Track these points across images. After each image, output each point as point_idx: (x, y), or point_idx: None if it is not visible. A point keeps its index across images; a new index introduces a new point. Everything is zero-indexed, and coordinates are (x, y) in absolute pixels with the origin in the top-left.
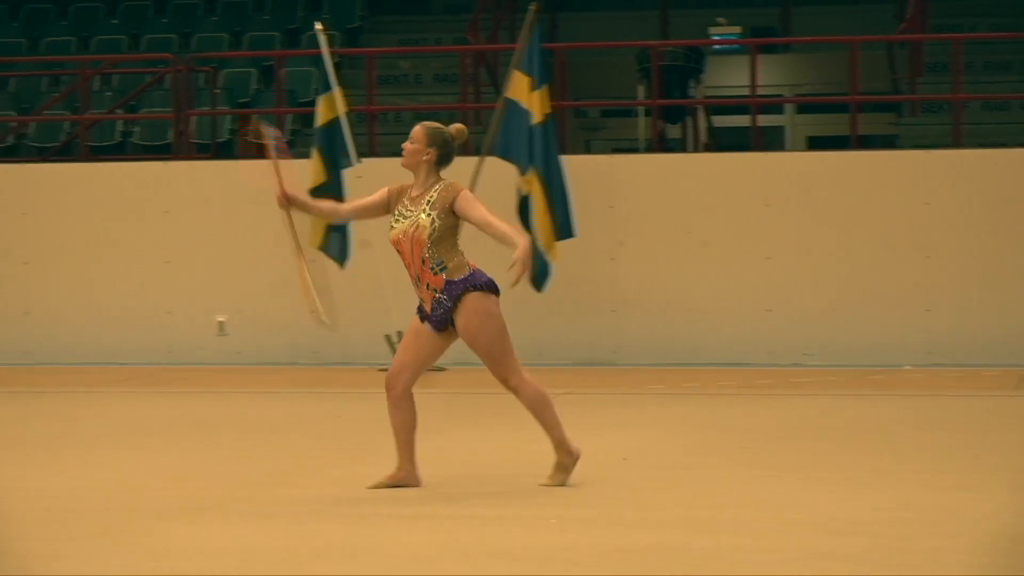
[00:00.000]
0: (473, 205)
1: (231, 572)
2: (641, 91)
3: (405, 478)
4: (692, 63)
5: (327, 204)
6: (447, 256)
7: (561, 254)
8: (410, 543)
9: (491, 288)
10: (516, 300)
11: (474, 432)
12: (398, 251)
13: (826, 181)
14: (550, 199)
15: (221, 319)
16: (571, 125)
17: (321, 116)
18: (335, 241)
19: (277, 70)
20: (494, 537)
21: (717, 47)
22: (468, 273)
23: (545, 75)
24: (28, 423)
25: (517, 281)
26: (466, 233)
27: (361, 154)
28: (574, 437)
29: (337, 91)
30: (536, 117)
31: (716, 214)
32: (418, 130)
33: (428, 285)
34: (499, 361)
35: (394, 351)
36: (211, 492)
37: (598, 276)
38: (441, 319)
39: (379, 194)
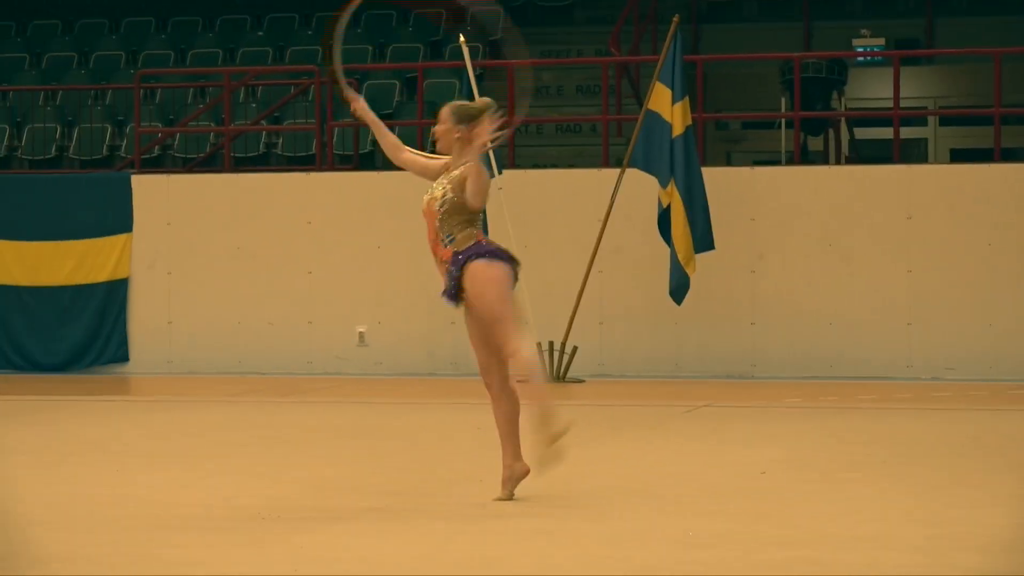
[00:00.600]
0: (472, 176)
1: None
2: (783, 103)
3: (513, 473)
4: (835, 75)
5: (392, 138)
6: (456, 229)
7: (700, 267)
8: (546, 556)
9: (497, 256)
10: (655, 313)
11: (613, 445)
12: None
13: (969, 194)
14: (689, 211)
15: (361, 330)
16: (712, 137)
17: None
18: None
19: (420, 82)
20: (631, 551)
21: (860, 59)
22: (473, 243)
23: (686, 87)
24: (170, 433)
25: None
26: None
27: (502, 166)
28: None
29: None
30: (677, 129)
31: (858, 227)
32: (444, 111)
33: (441, 259)
34: (498, 325)
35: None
36: (350, 502)
37: (738, 289)
38: (452, 291)
39: (436, 162)
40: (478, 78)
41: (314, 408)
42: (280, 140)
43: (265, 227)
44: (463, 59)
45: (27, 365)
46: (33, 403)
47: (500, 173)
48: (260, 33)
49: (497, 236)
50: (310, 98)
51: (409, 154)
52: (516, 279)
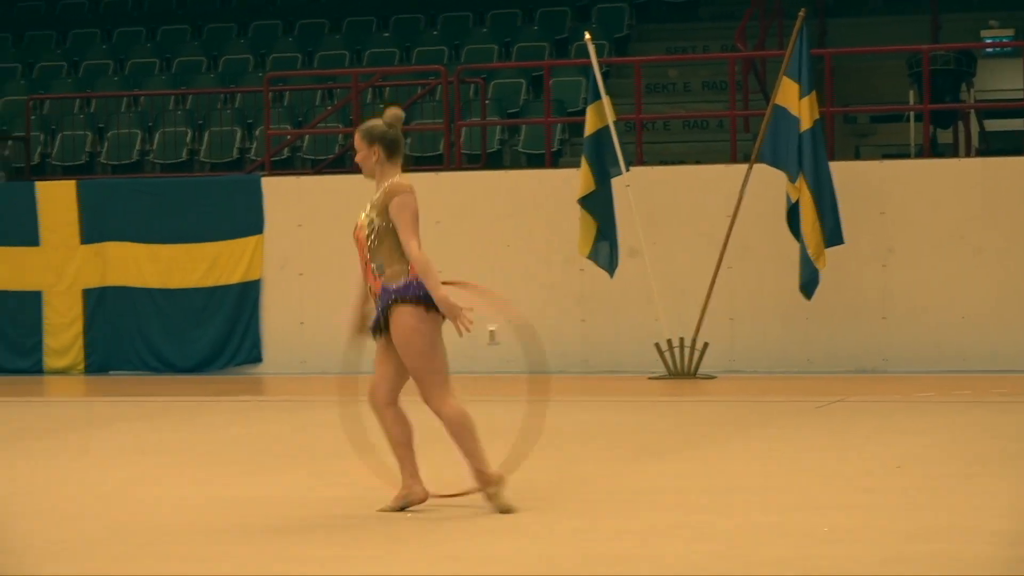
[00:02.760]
0: (401, 216)
1: None
2: (912, 96)
3: (409, 495)
4: (963, 67)
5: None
6: (387, 260)
7: (830, 261)
8: (683, 556)
9: (423, 301)
10: (786, 308)
11: (744, 441)
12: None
13: None
14: (819, 205)
15: (492, 328)
16: (840, 131)
17: (589, 125)
18: (603, 250)
19: (546, 80)
20: (763, 546)
21: (989, 50)
22: (403, 283)
23: (813, 81)
24: (302, 432)
25: (463, 331)
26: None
27: (629, 163)
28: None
29: (605, 100)
30: (805, 123)
31: (989, 220)
32: (355, 136)
33: (371, 288)
34: (421, 379)
35: (664, 360)
36: (476, 499)
37: (868, 283)
38: (375, 326)
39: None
40: (604, 75)
41: None
42: (408, 140)
43: None
44: (589, 57)
45: (162, 367)
46: (168, 404)
47: (627, 170)
48: (387, 34)
49: (625, 233)
50: (437, 98)
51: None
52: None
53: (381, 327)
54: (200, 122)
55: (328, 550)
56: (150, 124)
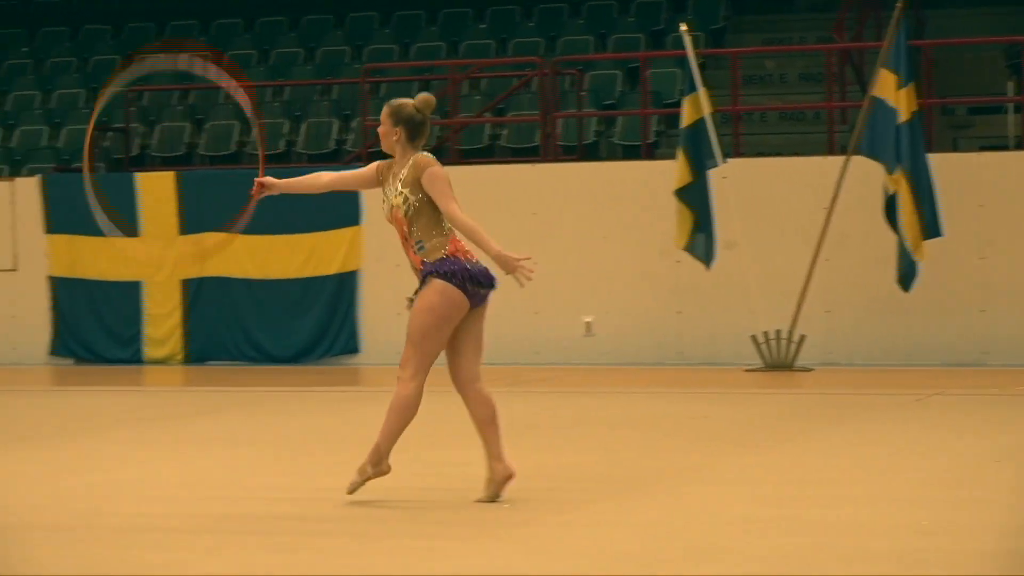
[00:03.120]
0: (436, 186)
1: (597, 573)
2: (1010, 87)
3: (492, 477)
4: None
5: (306, 181)
6: (425, 235)
7: (929, 253)
8: (777, 547)
9: (456, 278)
10: (883, 301)
11: (841, 433)
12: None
13: None
14: (917, 198)
15: (588, 319)
16: (938, 123)
17: (686, 117)
18: (700, 242)
19: (642, 71)
20: (861, 540)
21: None
22: (439, 259)
23: (912, 72)
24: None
25: (527, 278)
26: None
27: (726, 154)
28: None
29: (702, 91)
30: (903, 115)
31: None
32: (383, 111)
33: (413, 264)
34: (409, 344)
35: (760, 352)
36: (578, 491)
37: (967, 275)
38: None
39: (368, 168)
40: (701, 66)
41: (540, 398)
42: (504, 132)
43: (491, 218)
44: (686, 48)
45: (260, 357)
46: (266, 394)
47: (724, 162)
48: (483, 25)
49: (723, 225)
50: (533, 89)
51: (328, 176)
52: (482, 301)
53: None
54: (297, 113)
55: (420, 541)
56: (248, 116)
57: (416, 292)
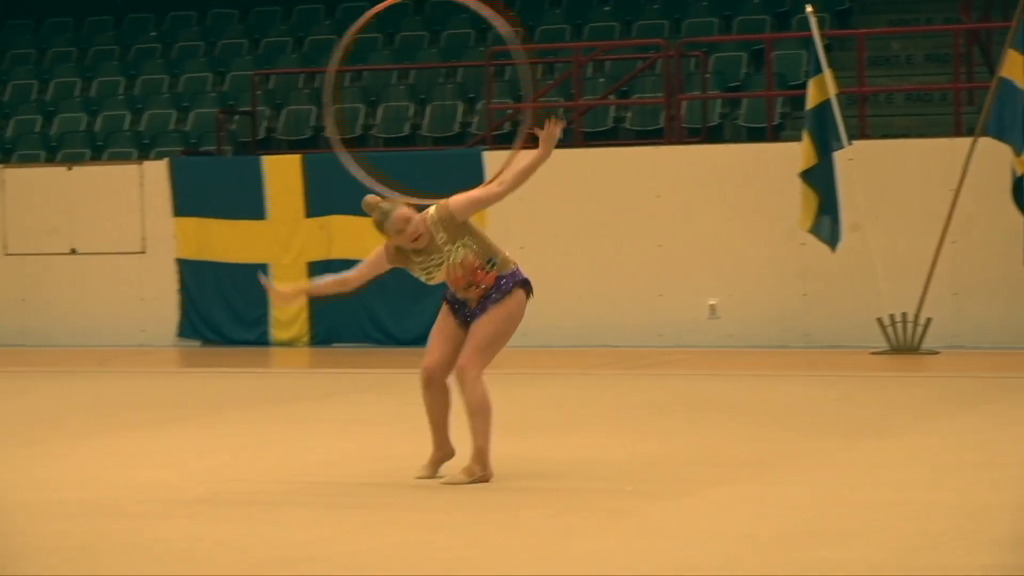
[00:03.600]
0: (466, 203)
1: (723, 554)
2: None
3: (444, 455)
4: None
5: (330, 283)
6: (493, 252)
7: None
8: (888, 527)
9: (528, 288)
10: (1011, 283)
11: (968, 418)
12: (447, 281)
13: None
14: None
15: (712, 302)
16: None
17: (811, 99)
18: (825, 224)
19: (767, 53)
20: (991, 524)
21: None
22: (513, 269)
23: None
24: (524, 405)
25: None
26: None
27: (851, 136)
28: None
29: (827, 73)
30: None
31: None
32: (418, 224)
33: (479, 285)
34: (482, 350)
35: (886, 335)
36: (705, 473)
37: None
38: (478, 313)
39: (376, 254)
40: (826, 48)
41: (665, 380)
42: (629, 114)
43: (615, 201)
44: (811, 29)
45: (385, 339)
46: (390, 376)
47: (850, 143)
48: (607, 7)
49: (848, 207)
50: (658, 71)
51: (354, 275)
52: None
53: (481, 313)
54: (422, 96)
55: (548, 523)
56: (373, 99)
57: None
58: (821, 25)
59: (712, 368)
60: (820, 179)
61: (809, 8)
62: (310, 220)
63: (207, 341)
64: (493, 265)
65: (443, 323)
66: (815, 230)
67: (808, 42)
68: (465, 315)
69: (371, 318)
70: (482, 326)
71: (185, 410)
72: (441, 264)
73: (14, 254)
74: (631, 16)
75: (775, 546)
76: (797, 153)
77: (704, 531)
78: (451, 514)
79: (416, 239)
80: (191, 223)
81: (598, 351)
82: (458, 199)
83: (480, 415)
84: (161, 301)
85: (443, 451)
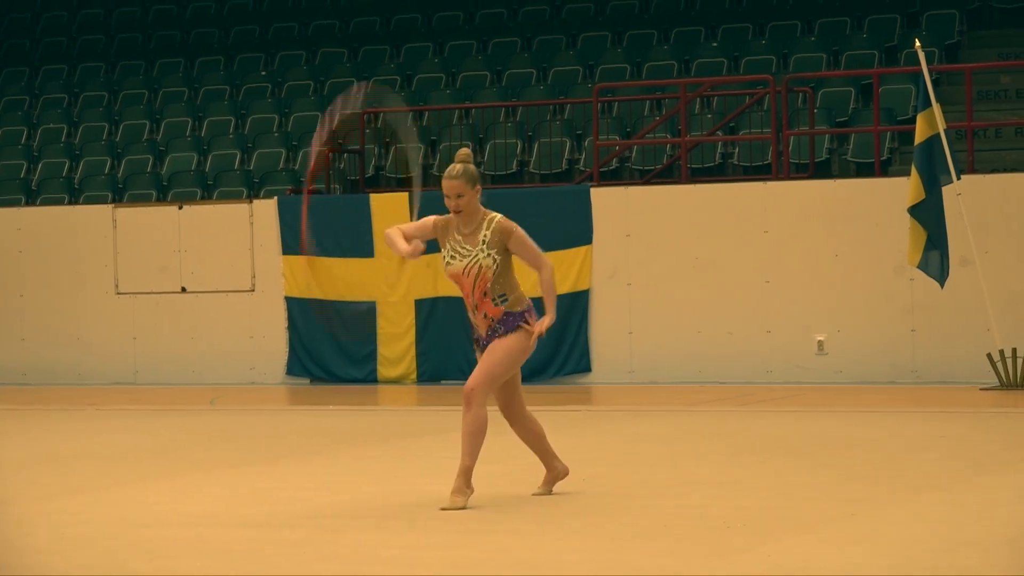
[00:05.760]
0: (527, 246)
1: None
2: None
3: (557, 474)
4: None
5: (399, 234)
6: (508, 289)
7: None
8: (1010, 568)
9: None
10: None
11: None
12: (456, 282)
13: None
14: None
15: (820, 338)
16: None
17: (919, 133)
18: (934, 259)
19: (875, 88)
20: None
21: None
22: (527, 307)
23: None
24: (631, 440)
25: (534, 340)
26: None
27: (960, 171)
28: None
29: (935, 108)
30: None
31: None
32: (454, 183)
33: (486, 315)
34: (487, 373)
35: (996, 370)
36: (816, 509)
37: None
38: (487, 341)
39: (425, 222)
40: (934, 83)
41: (775, 417)
42: (736, 150)
43: (722, 237)
44: (919, 64)
45: None
46: (499, 414)
47: (958, 178)
48: (714, 44)
49: (956, 242)
50: (765, 107)
51: (410, 227)
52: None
53: (484, 345)
54: (530, 133)
55: (662, 559)
56: (481, 136)
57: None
58: (930, 59)
59: (821, 405)
60: (928, 214)
61: (917, 43)
62: (417, 258)
63: (315, 379)
64: (504, 300)
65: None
66: (923, 265)
67: (916, 77)
68: (474, 338)
69: (467, 356)
70: (494, 351)
71: (294, 448)
72: (466, 257)
73: (125, 293)
74: (738, 51)
75: None
76: (905, 188)
77: (819, 569)
78: (562, 546)
79: (458, 199)
80: (299, 261)
81: (706, 387)
82: (523, 234)
83: (476, 437)
84: (270, 339)
85: (554, 470)
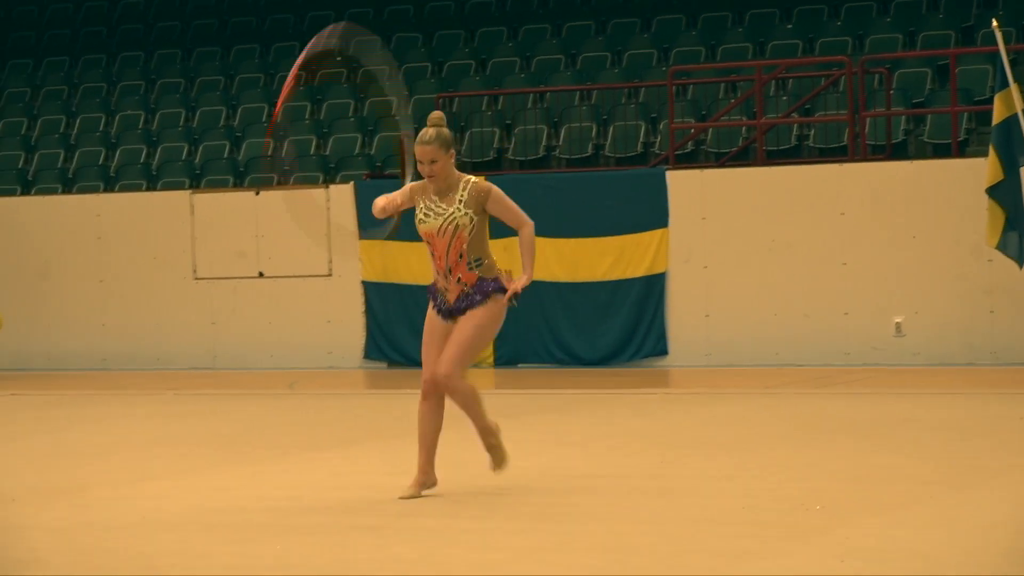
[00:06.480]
0: (506, 206)
1: (907, 574)
2: None
3: (428, 479)
4: None
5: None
6: (484, 254)
7: None
8: None
9: (503, 293)
10: None
11: None
12: (429, 243)
13: None
14: None
15: (898, 320)
16: None
17: (997, 114)
18: (1012, 240)
19: (952, 69)
20: None
21: None
22: (497, 275)
23: None
24: (707, 423)
25: (507, 300)
26: None
27: None
28: None
29: (1013, 87)
30: None
31: None
32: (426, 149)
33: (459, 279)
34: (464, 352)
35: None
36: (891, 491)
37: None
38: (462, 310)
39: (407, 189)
40: (1012, 62)
41: (852, 399)
42: (812, 132)
43: (798, 219)
44: (997, 44)
45: (570, 359)
46: (578, 397)
47: None
48: (789, 26)
49: None
50: (841, 89)
51: (399, 194)
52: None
53: (457, 312)
54: (604, 117)
55: (740, 542)
56: (556, 120)
57: (457, 308)
58: (1007, 39)
59: (899, 387)
60: (1006, 195)
61: (995, 22)
62: (492, 241)
63: (392, 363)
64: (478, 265)
65: (433, 328)
66: (1002, 246)
67: (994, 56)
68: (446, 311)
69: (555, 338)
70: (464, 329)
71: (374, 431)
72: (441, 215)
73: (203, 278)
74: (813, 33)
75: (975, 566)
76: (983, 169)
77: (900, 551)
78: (640, 529)
79: (431, 164)
80: (375, 245)
81: (782, 370)
82: (501, 193)
83: (474, 403)
84: (347, 323)
85: (427, 476)
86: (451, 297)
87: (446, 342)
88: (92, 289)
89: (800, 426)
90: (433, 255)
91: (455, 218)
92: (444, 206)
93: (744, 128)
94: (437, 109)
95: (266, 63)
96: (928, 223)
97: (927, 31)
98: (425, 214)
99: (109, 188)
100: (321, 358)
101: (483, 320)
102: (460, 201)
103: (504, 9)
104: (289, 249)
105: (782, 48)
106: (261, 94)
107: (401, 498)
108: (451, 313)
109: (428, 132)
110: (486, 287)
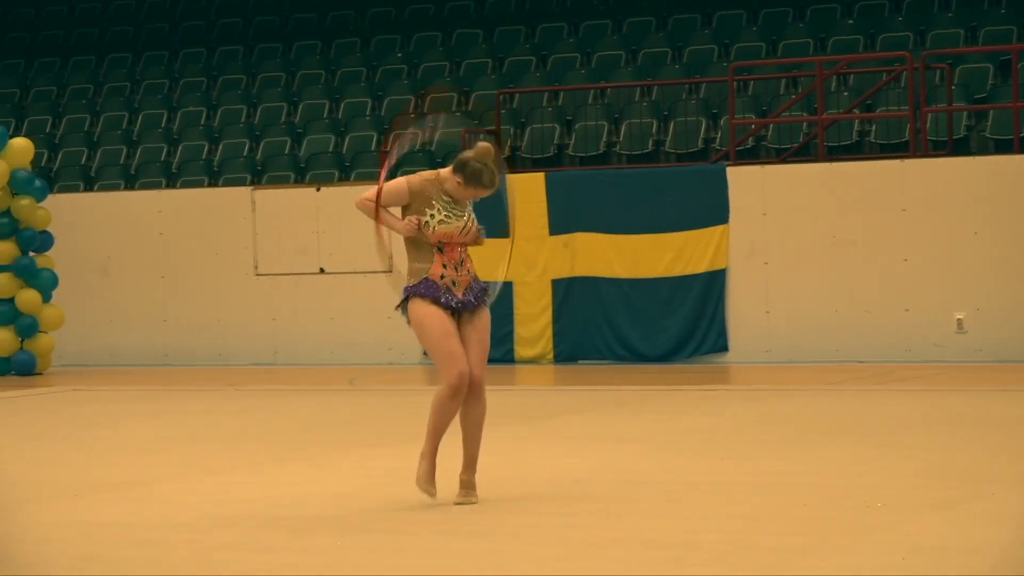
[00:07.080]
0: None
1: (970, 572)
2: None
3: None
4: None
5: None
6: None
7: None
8: None
9: None
10: None
11: None
12: (441, 242)
13: None
14: None
15: (960, 316)
16: None
17: None
18: None
19: (1014, 64)
20: None
21: None
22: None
23: None
24: (771, 420)
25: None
26: None
27: None
28: None
29: None
30: None
31: None
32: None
33: (469, 270)
34: (485, 359)
35: None
36: (954, 487)
37: None
38: (468, 304)
39: (397, 185)
40: None
41: (913, 396)
42: (873, 127)
43: (859, 215)
44: None
45: (630, 356)
46: (638, 393)
47: None
48: (851, 21)
49: None
50: (903, 84)
51: (380, 195)
52: None
53: (466, 306)
54: (665, 113)
55: (798, 539)
56: (616, 115)
57: (467, 304)
58: None
59: (960, 384)
60: None
61: None
62: (553, 238)
63: None
64: (470, 266)
65: (445, 323)
66: None
67: None
68: (457, 304)
69: (615, 334)
70: (483, 332)
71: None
72: (461, 218)
73: (264, 274)
74: (875, 29)
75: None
76: None
77: (961, 548)
78: (698, 525)
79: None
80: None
81: (844, 366)
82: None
83: (482, 426)
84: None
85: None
86: (459, 291)
87: (461, 338)
88: (153, 285)
89: (861, 423)
90: (443, 251)
91: (474, 219)
92: (459, 209)
93: (805, 124)
94: (498, 105)
95: (327, 59)
96: (990, 219)
97: (989, 26)
98: (446, 215)
99: (171, 184)
100: (381, 354)
101: (489, 323)
102: (468, 211)
103: (564, 5)
104: (349, 245)
105: (843, 44)
106: (322, 91)
107: (456, 504)
108: (460, 306)
109: (496, 178)
110: (483, 283)
